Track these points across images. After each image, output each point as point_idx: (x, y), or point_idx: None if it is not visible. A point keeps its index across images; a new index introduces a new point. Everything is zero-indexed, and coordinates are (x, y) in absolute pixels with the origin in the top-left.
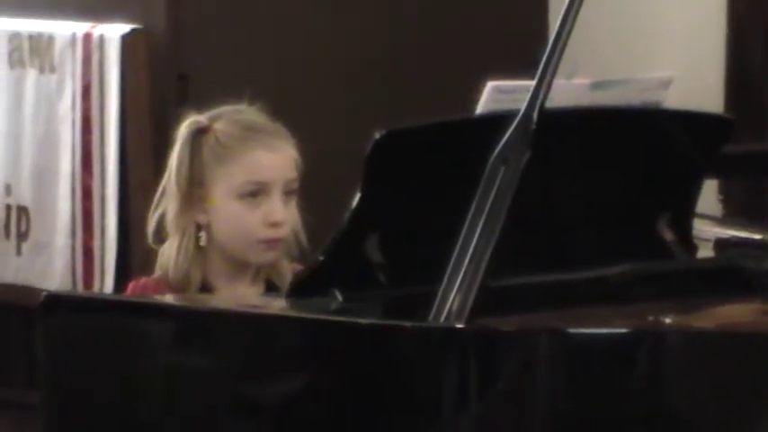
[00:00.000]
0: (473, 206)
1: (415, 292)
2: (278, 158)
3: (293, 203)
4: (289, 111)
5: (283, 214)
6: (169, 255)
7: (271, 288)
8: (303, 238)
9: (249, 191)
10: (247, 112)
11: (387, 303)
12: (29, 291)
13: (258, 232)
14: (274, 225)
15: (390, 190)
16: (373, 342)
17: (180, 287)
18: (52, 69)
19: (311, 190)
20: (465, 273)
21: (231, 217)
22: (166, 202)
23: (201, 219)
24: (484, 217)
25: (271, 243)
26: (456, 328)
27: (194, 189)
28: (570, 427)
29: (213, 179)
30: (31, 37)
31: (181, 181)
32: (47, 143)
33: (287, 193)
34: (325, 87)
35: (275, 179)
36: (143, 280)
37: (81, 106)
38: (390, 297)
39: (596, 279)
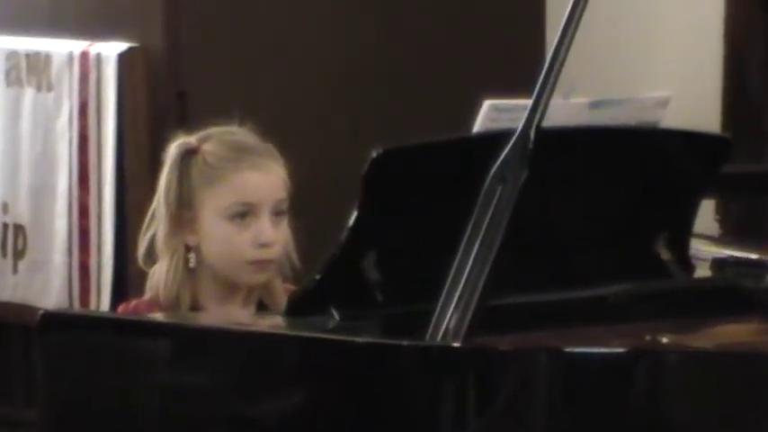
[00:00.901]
0: (470, 225)
1: (412, 311)
2: (267, 179)
3: (284, 224)
4: (286, 129)
5: (272, 235)
6: (159, 276)
7: (263, 310)
8: (295, 258)
9: (238, 212)
10: (237, 133)
11: (384, 321)
12: (26, 309)
13: (247, 253)
14: (264, 246)
15: (388, 208)
16: (370, 360)
17: (170, 309)
18: (49, 87)
19: (308, 209)
20: (462, 291)
21: (220, 238)
22: (156, 223)
23: (191, 240)
24: (481, 235)
25: (260, 264)
26: (453, 347)
27: (183, 211)
28: None
29: (202, 200)
30: (28, 55)
31: (170, 202)
32: (44, 161)
33: (276, 213)
34: (322, 105)
35: (264, 200)
36: (133, 302)
37: (78, 124)
38: (387, 315)
39: (594, 298)
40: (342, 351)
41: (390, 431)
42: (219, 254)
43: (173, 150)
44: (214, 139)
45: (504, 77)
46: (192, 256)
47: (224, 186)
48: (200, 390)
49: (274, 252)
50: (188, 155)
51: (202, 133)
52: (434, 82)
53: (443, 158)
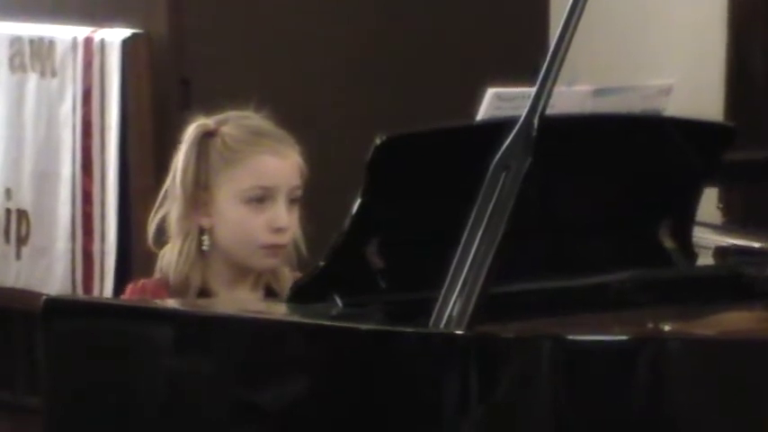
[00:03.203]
0: (474, 212)
1: (416, 298)
2: (285, 165)
3: (296, 211)
4: (290, 115)
5: (287, 220)
6: (170, 257)
7: (270, 295)
8: (303, 247)
9: (255, 196)
10: (254, 118)
11: (387, 309)
12: (29, 295)
13: (262, 237)
14: (278, 231)
15: (391, 195)
16: (373, 348)
17: (179, 290)
18: (53, 74)
19: (312, 197)
20: (465, 278)
21: (235, 221)
22: (169, 204)
23: (205, 222)
24: (484, 223)
25: (273, 249)
26: (457, 334)
27: (199, 192)
28: None
29: (218, 182)
30: (32, 41)
31: (186, 183)
32: (47, 147)
33: (291, 200)
34: (326, 93)
35: (281, 185)
36: (141, 282)
37: (82, 110)
38: (391, 302)
39: (597, 286)
40: (345, 338)
41: (393, 418)
42: (233, 237)
43: (191, 132)
44: (232, 122)
45: (507, 66)
46: (205, 238)
47: (243, 169)
48: (204, 376)
49: (287, 238)
50: (206, 136)
51: (219, 116)
52: (438, 70)
53: (447, 145)
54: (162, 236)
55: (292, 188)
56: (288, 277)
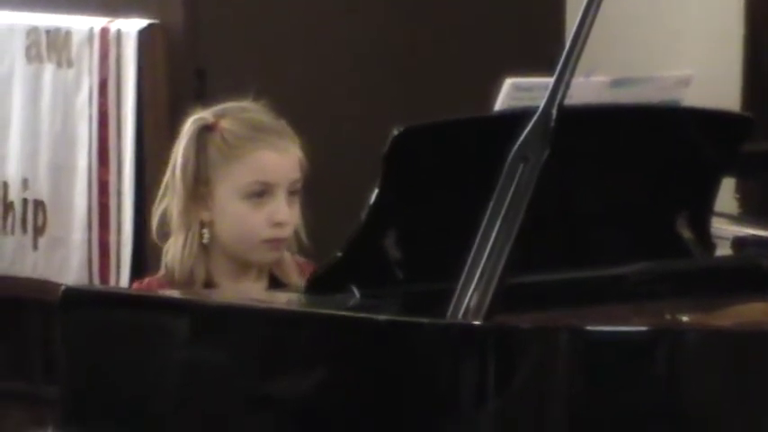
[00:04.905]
0: (491, 203)
1: (433, 289)
2: (284, 159)
3: (296, 203)
4: (304, 106)
5: (287, 214)
6: (174, 252)
7: (275, 283)
8: (303, 234)
9: (255, 191)
10: (252, 110)
11: (404, 300)
12: (46, 285)
13: (262, 232)
14: (278, 225)
15: (408, 187)
16: (391, 338)
17: (185, 285)
18: (69, 64)
19: (325, 187)
20: (483, 270)
21: (235, 216)
22: (170, 198)
23: (205, 216)
24: (502, 214)
25: (274, 243)
26: (474, 325)
27: (199, 186)
28: (588, 423)
29: (218, 178)
30: (48, 32)
31: (186, 178)
32: (64, 138)
33: (291, 193)
34: (340, 83)
35: (281, 180)
36: (147, 280)
37: (98, 101)
38: (408, 293)
39: (614, 277)
40: (362, 329)
41: (410, 409)
42: (232, 232)
43: (189, 126)
44: (231, 116)
45: (525, 56)
46: (205, 231)
47: (242, 165)
48: (219, 366)
49: (287, 231)
50: (205, 131)
51: (217, 109)
52: (456, 60)
53: (465, 137)
54: (165, 229)
55: (292, 182)
56: (290, 263)
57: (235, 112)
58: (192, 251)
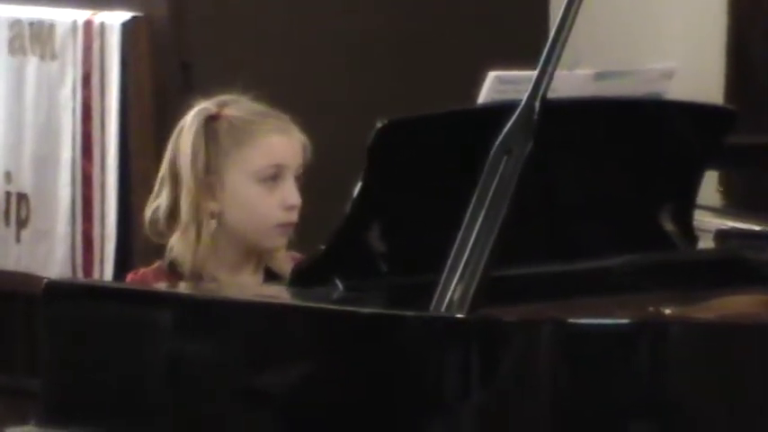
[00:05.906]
0: (475, 196)
1: (417, 282)
2: (293, 142)
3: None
4: (291, 99)
5: (298, 197)
6: (185, 247)
7: (270, 276)
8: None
9: (269, 174)
10: (246, 101)
11: (388, 292)
12: (29, 278)
13: (275, 216)
14: (291, 208)
15: (392, 179)
16: (375, 331)
17: (192, 278)
18: (53, 57)
19: (313, 180)
20: (467, 262)
21: (249, 202)
22: (167, 192)
23: (213, 207)
24: (486, 206)
25: (286, 227)
26: (458, 318)
27: (209, 177)
28: (572, 416)
29: (228, 165)
30: (32, 24)
31: (197, 170)
32: (47, 131)
33: (297, 177)
34: (327, 76)
35: (291, 163)
36: (141, 271)
37: (82, 94)
38: (392, 286)
39: (598, 269)
40: (346, 322)
41: (395, 401)
42: (246, 218)
43: (193, 117)
44: (233, 104)
45: (509, 49)
46: (212, 222)
47: (254, 149)
48: (204, 360)
49: (296, 215)
50: (211, 120)
51: (216, 100)
52: (439, 53)
53: (448, 129)
54: (158, 225)
55: (299, 166)
56: (284, 257)
57: (235, 102)
58: (206, 245)
